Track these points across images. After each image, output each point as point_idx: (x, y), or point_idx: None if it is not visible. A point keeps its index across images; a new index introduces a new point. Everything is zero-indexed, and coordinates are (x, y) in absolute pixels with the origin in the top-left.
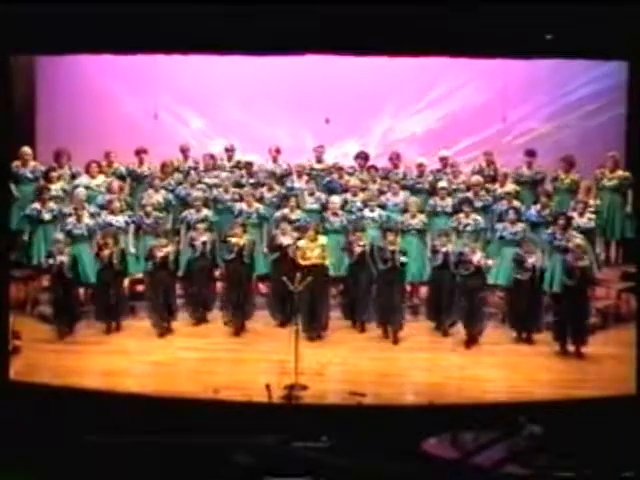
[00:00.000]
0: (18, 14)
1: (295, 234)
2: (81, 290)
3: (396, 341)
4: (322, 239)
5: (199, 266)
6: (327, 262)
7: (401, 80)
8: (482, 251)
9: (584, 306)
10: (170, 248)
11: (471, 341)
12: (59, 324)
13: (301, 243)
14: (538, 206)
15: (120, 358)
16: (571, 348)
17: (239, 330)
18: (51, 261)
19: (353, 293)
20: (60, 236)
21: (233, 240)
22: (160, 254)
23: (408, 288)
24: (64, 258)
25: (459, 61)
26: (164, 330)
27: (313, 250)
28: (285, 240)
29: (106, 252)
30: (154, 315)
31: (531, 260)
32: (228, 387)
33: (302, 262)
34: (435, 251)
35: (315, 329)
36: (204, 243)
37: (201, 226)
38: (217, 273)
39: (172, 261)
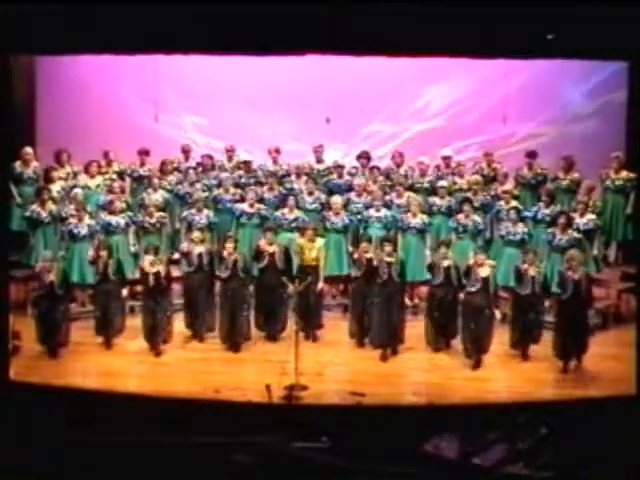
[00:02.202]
0: (18, 14)
1: (283, 242)
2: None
3: (394, 353)
4: (320, 241)
5: (197, 280)
6: (322, 264)
7: (401, 80)
8: (488, 260)
9: (581, 321)
10: (161, 267)
11: (477, 364)
12: (45, 344)
13: (300, 241)
14: (540, 205)
15: (120, 358)
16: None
17: (235, 347)
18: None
19: (359, 309)
20: (48, 254)
21: (227, 253)
22: (151, 275)
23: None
24: (52, 277)
25: (459, 61)
26: (158, 350)
27: (311, 251)
28: (271, 249)
29: (101, 264)
30: (147, 333)
31: (532, 273)
32: (228, 387)
33: (300, 261)
34: (433, 266)
35: (309, 329)
36: (200, 255)
37: (197, 236)
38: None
39: (164, 278)
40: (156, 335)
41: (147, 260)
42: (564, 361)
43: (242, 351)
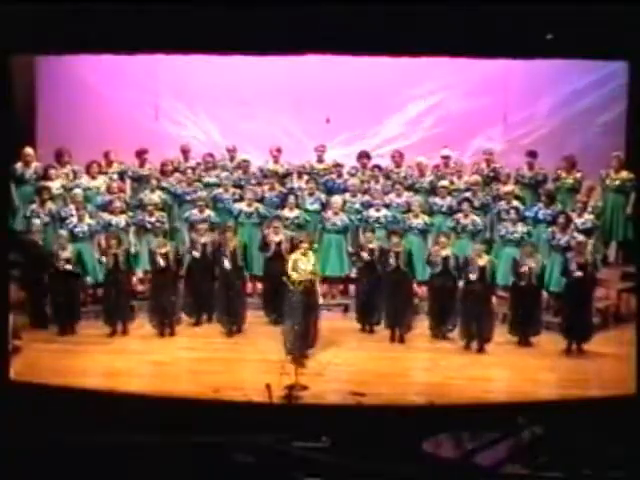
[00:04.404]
0: (18, 14)
1: (288, 232)
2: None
3: (402, 340)
4: (314, 257)
5: (201, 268)
6: (317, 279)
7: (401, 80)
8: (487, 254)
9: (586, 303)
10: (169, 248)
11: (481, 348)
12: (59, 322)
13: (294, 256)
14: (540, 205)
15: (120, 358)
16: (574, 346)
17: (231, 332)
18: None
19: (362, 296)
20: (64, 232)
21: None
22: (160, 255)
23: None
24: (68, 254)
25: (459, 61)
26: (166, 331)
27: (305, 265)
28: (277, 238)
29: (110, 254)
30: (155, 316)
31: (528, 265)
32: (228, 387)
33: (293, 275)
34: (431, 259)
35: (304, 344)
36: (205, 245)
37: (202, 227)
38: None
39: (173, 260)
40: (164, 317)
41: (156, 242)
42: (568, 344)
43: (242, 351)
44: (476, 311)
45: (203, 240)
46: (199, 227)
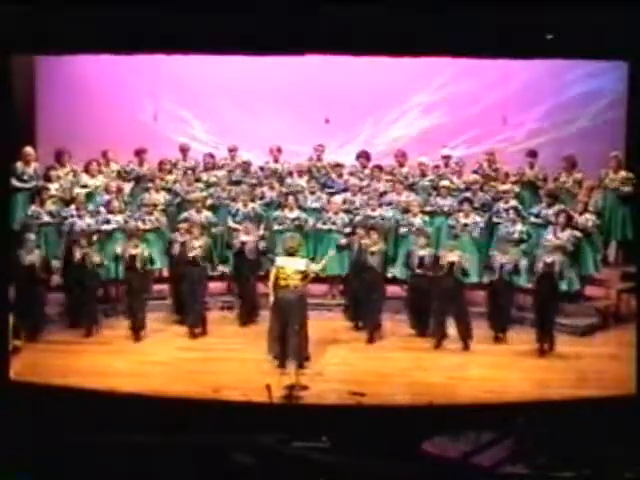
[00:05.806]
0: (18, 14)
1: (259, 232)
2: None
3: (371, 340)
4: (301, 262)
5: (191, 271)
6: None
7: (401, 80)
8: (460, 250)
9: (551, 302)
10: (139, 250)
11: (465, 346)
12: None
13: (279, 261)
14: (542, 205)
15: (120, 358)
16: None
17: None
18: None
19: (355, 295)
20: (32, 236)
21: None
22: (127, 255)
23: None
24: (34, 258)
25: (459, 61)
26: (137, 336)
27: (293, 271)
28: (244, 238)
29: (78, 253)
30: (128, 318)
31: (499, 260)
32: (228, 387)
33: (280, 281)
34: (409, 256)
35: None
36: (182, 244)
37: (182, 226)
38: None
39: (140, 263)
40: (135, 319)
41: (131, 242)
42: (540, 344)
43: (242, 351)
44: (450, 308)
45: (181, 239)
46: (179, 227)
